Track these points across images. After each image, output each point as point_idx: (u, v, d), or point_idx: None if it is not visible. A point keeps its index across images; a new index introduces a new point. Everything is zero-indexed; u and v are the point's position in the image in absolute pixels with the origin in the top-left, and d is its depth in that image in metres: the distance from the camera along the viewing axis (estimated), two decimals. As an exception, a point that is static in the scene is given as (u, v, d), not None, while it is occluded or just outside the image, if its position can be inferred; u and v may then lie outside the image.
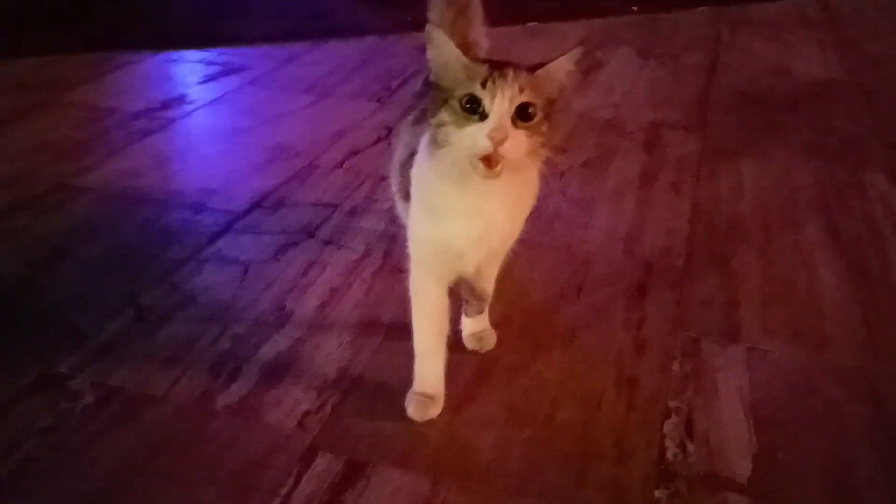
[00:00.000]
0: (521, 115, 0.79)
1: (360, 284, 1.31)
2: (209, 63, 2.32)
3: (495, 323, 1.17)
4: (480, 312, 1.13)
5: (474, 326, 1.14)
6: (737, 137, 1.87)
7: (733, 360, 1.13)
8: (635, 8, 2.99)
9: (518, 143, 0.79)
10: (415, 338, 1.01)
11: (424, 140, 0.89)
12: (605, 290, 1.29)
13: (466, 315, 1.13)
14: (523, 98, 0.79)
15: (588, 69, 2.36)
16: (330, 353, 1.14)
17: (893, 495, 0.92)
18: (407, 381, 1.04)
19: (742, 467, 0.95)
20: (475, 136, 0.78)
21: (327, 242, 1.43)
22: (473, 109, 0.79)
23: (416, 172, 0.94)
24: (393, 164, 1.09)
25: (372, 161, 1.75)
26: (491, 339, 1.15)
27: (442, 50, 0.83)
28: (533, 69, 0.81)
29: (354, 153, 1.79)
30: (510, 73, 0.79)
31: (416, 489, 0.91)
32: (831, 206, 1.55)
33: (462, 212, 0.89)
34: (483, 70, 0.80)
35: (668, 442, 0.99)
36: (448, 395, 1.04)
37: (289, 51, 2.45)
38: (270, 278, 1.31)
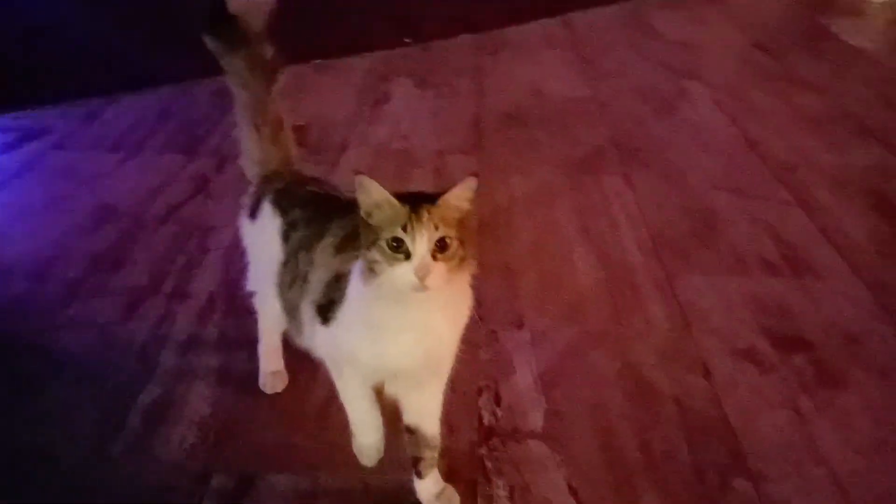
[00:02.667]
0: (440, 247, 0.92)
1: (210, 331, 1.50)
2: (4, 130, 2.33)
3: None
4: (434, 466, 1.14)
5: (434, 486, 1.14)
6: (506, 157, 2.26)
7: (522, 343, 1.47)
8: (408, 40, 3.35)
9: (440, 273, 0.91)
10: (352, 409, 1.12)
11: (357, 268, 0.99)
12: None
13: (421, 477, 1.13)
14: (439, 234, 0.91)
15: (376, 102, 2.66)
16: (201, 391, 1.33)
17: (640, 426, 1.30)
18: (275, 407, 1.27)
19: (537, 421, 1.29)
20: (404, 275, 0.91)
21: (172, 295, 1.60)
22: (399, 248, 0.91)
23: (353, 297, 1.01)
24: (284, 282, 1.15)
25: (196, 213, 1.92)
26: (455, 498, 1.15)
27: (372, 194, 0.94)
28: (437, 196, 0.94)
29: (177, 207, 1.94)
30: (425, 213, 0.92)
31: (299, 486, 1.16)
32: (582, 209, 1.97)
33: (407, 328, 0.98)
34: (404, 213, 0.92)
35: (483, 412, 1.31)
36: (315, 403, 1.29)
37: (86, 108, 2.51)
38: (128, 335, 1.47)
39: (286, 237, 1.17)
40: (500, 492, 1.16)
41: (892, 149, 2.32)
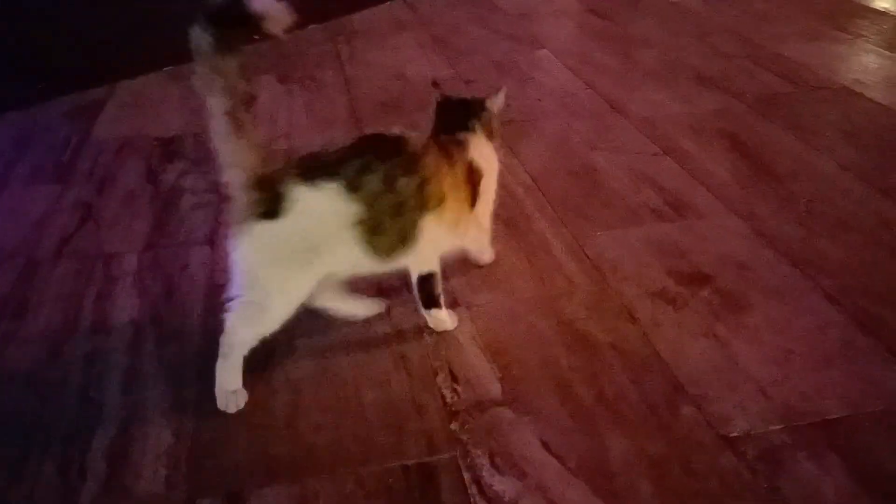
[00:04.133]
0: None
1: (148, 360, 1.44)
2: None
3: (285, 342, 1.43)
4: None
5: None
6: (393, 143, 2.30)
7: (462, 320, 1.54)
8: (257, 36, 3.27)
9: None
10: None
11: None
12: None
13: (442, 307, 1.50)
14: None
15: (245, 103, 2.60)
16: (158, 422, 1.29)
17: (588, 375, 1.41)
18: (241, 423, 1.26)
19: (495, 389, 1.37)
20: None
21: (93, 331, 1.52)
22: None
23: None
24: (374, 227, 1.27)
25: (90, 242, 1.81)
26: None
27: None
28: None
29: (68, 240, 1.83)
30: None
31: (291, 494, 1.16)
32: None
33: None
34: None
35: (444, 391, 1.36)
36: (282, 410, 1.29)
37: (-77, 145, 2.27)
38: (61, 380, 1.38)
39: (356, 188, 1.23)
40: (482, 461, 1.22)
41: (730, 93, 2.59)
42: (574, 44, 3.22)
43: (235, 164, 1.22)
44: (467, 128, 1.49)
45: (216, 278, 1.67)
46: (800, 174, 2.07)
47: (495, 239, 1.68)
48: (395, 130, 1.37)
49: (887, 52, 2.95)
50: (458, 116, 1.50)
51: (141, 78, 2.86)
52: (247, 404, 1.33)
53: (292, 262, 1.26)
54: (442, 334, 1.50)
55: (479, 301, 1.60)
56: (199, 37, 1.15)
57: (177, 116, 2.51)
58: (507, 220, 1.87)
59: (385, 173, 1.26)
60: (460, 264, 1.68)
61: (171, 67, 2.94)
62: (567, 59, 2.97)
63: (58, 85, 2.74)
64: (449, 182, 1.37)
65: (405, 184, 1.29)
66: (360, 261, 1.31)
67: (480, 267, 1.69)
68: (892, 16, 3.42)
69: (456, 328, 1.51)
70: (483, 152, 1.49)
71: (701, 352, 1.44)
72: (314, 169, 1.25)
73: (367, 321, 1.54)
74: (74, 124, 2.45)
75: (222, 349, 1.31)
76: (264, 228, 1.22)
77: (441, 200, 1.35)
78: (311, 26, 3.43)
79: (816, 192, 1.98)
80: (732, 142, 2.25)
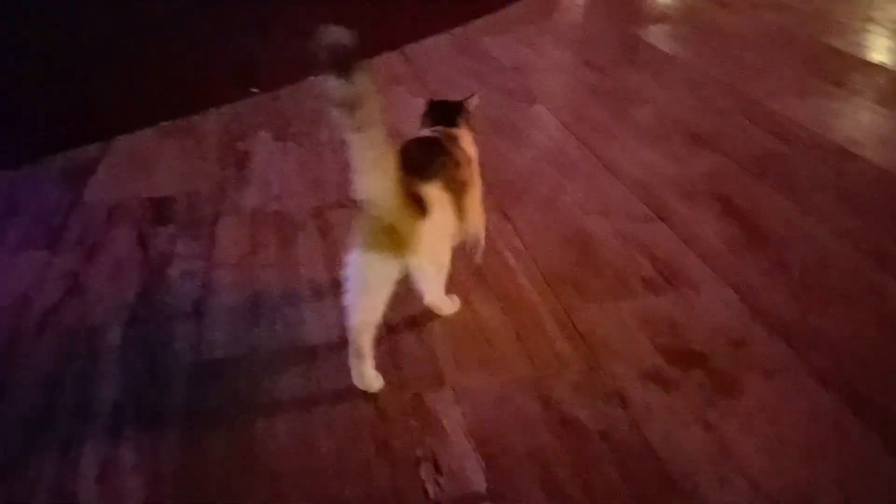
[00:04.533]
0: None
1: (126, 448, 1.41)
2: None
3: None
4: None
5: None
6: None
7: (447, 402, 1.51)
8: (255, 90, 3.29)
9: None
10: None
11: None
12: (332, 380, 1.58)
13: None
14: None
15: (238, 163, 2.60)
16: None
17: (576, 467, 1.37)
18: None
19: (479, 482, 1.33)
20: None
21: (73, 413, 1.49)
22: None
23: None
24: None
25: (74, 314, 1.79)
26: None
27: None
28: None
29: (51, 311, 1.81)
30: None
31: None
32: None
33: None
34: None
35: (426, 484, 1.33)
36: (257, 466, 1.26)
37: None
38: (36, 471, 1.35)
39: (445, 180, 1.55)
40: (465, 561, 1.19)
41: (723, 152, 2.59)
42: (569, 98, 3.23)
43: (377, 189, 1.39)
44: (456, 124, 1.78)
45: (202, 354, 1.65)
46: (793, 241, 2.06)
47: (483, 307, 1.66)
48: (426, 132, 1.75)
49: (883, 110, 2.95)
50: (446, 115, 1.80)
51: (136, 133, 2.86)
52: (222, 494, 1.29)
53: (445, 241, 1.60)
54: (427, 418, 1.47)
55: (466, 381, 1.57)
56: (342, 87, 1.25)
57: (170, 175, 2.51)
58: (499, 292, 1.85)
59: (449, 165, 1.60)
60: (447, 337, 1.66)
61: (167, 122, 2.95)
62: (562, 115, 2.97)
63: (52, 142, 2.75)
64: (468, 168, 1.70)
65: (460, 172, 1.63)
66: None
67: (470, 339, 1.67)
68: (888, 70, 3.43)
69: (441, 412, 1.48)
70: (470, 143, 1.78)
71: (693, 441, 1.40)
72: (420, 170, 1.50)
73: (352, 402, 1.51)
74: (67, 186, 2.44)
75: (358, 336, 1.51)
76: (431, 225, 1.47)
77: (470, 182, 1.69)
78: (309, 79, 3.45)
79: (810, 260, 1.96)
80: (725, 205, 2.24)
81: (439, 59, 3.72)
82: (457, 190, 1.59)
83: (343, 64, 1.23)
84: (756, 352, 1.63)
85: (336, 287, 1.84)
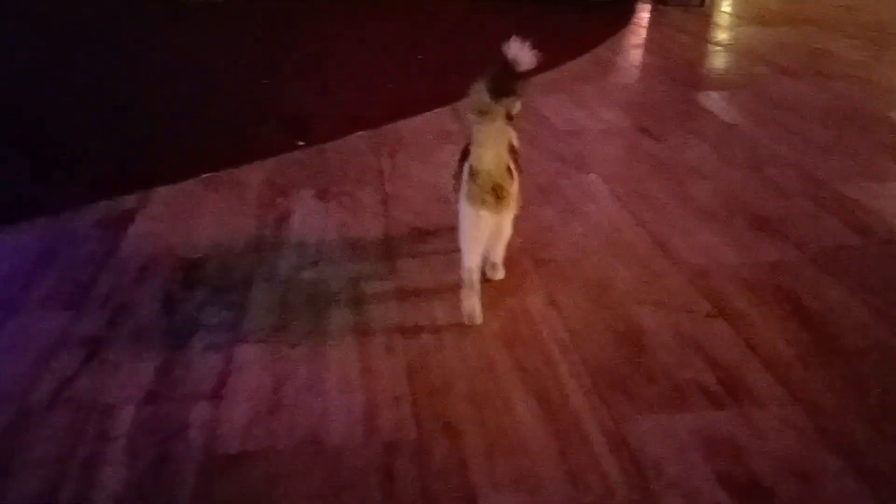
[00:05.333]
0: None
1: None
2: None
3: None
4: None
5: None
6: (423, 278, 2.16)
7: (479, 525, 1.36)
8: (301, 143, 3.23)
9: None
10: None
11: None
12: (356, 489, 1.44)
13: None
14: None
15: (277, 221, 2.51)
16: None
17: None
18: None
19: None
20: None
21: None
22: None
23: None
24: None
25: (90, 388, 1.70)
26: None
27: None
28: None
29: (67, 383, 1.71)
30: None
31: None
32: (513, 339, 1.90)
33: None
34: None
35: None
36: None
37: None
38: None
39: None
40: None
41: (791, 241, 2.41)
42: (623, 168, 3.09)
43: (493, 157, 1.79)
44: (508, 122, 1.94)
45: (216, 445, 1.53)
46: (870, 353, 1.87)
47: (523, 410, 1.51)
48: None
49: (964, 200, 2.74)
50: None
51: (178, 185, 2.81)
52: None
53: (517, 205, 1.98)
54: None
55: (498, 500, 1.41)
56: (479, 98, 1.70)
57: (207, 232, 2.43)
58: (542, 392, 1.70)
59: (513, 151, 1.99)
60: (482, 446, 1.51)
61: (208, 174, 2.89)
62: (616, 187, 2.83)
63: (91, 190, 2.71)
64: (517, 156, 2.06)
65: (517, 157, 2.03)
66: None
67: (507, 449, 1.52)
68: (968, 155, 3.22)
69: None
70: (515, 137, 2.05)
71: None
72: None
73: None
74: (102, 237, 2.38)
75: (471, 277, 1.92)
76: (516, 187, 1.90)
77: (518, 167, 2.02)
78: (357, 134, 3.38)
79: (889, 378, 1.77)
80: (794, 305, 2.05)
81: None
82: (517, 169, 1.94)
83: (500, 86, 1.69)
84: (826, 487, 1.45)
85: (365, 375, 1.72)
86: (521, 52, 1.71)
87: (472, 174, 1.80)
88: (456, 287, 1.98)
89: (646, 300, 2.07)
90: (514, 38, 1.72)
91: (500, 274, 2.15)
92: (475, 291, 1.92)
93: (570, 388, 1.72)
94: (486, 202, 1.81)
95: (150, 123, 3.55)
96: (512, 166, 1.87)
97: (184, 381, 1.73)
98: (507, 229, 1.99)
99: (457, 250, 1.99)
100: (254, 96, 3.95)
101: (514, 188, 1.87)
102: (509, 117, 2.08)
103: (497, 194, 1.80)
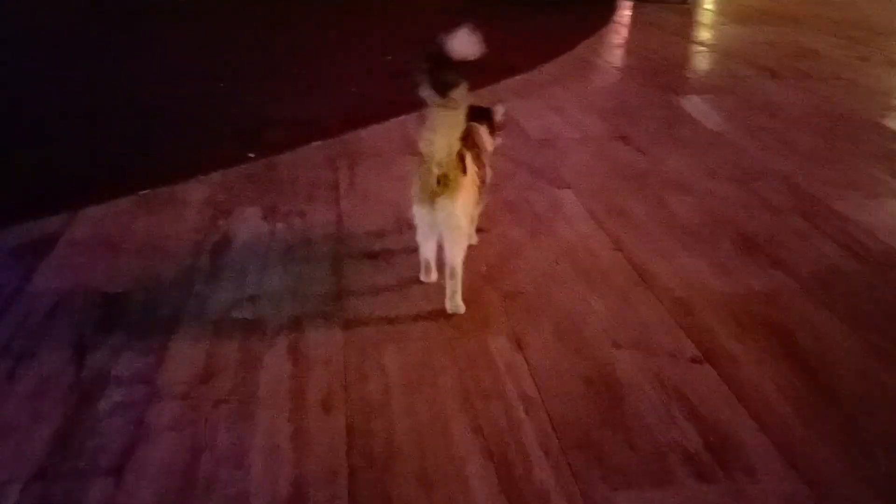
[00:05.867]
0: None
1: None
2: None
3: None
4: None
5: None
6: (374, 321, 1.91)
7: None
8: (251, 154, 2.97)
9: None
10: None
11: None
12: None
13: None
14: None
15: (215, 248, 2.26)
16: None
17: None
18: None
19: None
20: None
21: None
22: None
23: None
24: None
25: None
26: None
27: None
28: None
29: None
30: None
31: None
32: (471, 391, 1.66)
33: None
34: None
35: None
36: None
37: None
38: None
39: None
40: None
41: (781, 266, 2.19)
42: (600, 182, 2.85)
43: (443, 146, 1.76)
44: (479, 121, 2.12)
45: (110, 538, 1.28)
46: (871, 400, 1.66)
47: (479, 484, 1.28)
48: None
49: (967, 219, 2.54)
50: (473, 114, 1.91)
51: (109, 203, 2.54)
52: None
53: (471, 200, 1.95)
54: None
55: None
56: (428, 95, 1.69)
57: (134, 262, 2.17)
58: (500, 461, 1.47)
59: (476, 146, 2.06)
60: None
61: (145, 192, 2.62)
62: (591, 203, 2.60)
63: (14, 210, 2.44)
64: (483, 154, 2.11)
65: (480, 154, 2.08)
66: None
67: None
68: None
69: None
70: (486, 137, 2.17)
71: None
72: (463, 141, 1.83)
73: None
74: (15, 268, 2.11)
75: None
76: (467, 180, 1.86)
77: (483, 165, 2.09)
78: (315, 143, 3.13)
79: (894, 431, 1.55)
80: (786, 343, 1.84)
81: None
82: (478, 166, 1.97)
83: (442, 82, 1.67)
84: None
85: (296, 441, 1.47)
86: (461, 41, 1.64)
87: (421, 159, 1.79)
88: (411, 331, 1.74)
89: (623, 342, 1.84)
90: (463, 26, 1.65)
91: (460, 308, 1.94)
92: (433, 272, 2.04)
93: (535, 457, 1.48)
94: (432, 189, 1.78)
95: (84, 134, 3.26)
96: (468, 159, 1.85)
97: (83, 452, 1.47)
98: (461, 225, 1.87)
99: (415, 281, 2.02)
100: (206, 102, 3.68)
101: (464, 180, 1.83)
102: (498, 128, 2.21)
103: (443, 182, 1.77)
